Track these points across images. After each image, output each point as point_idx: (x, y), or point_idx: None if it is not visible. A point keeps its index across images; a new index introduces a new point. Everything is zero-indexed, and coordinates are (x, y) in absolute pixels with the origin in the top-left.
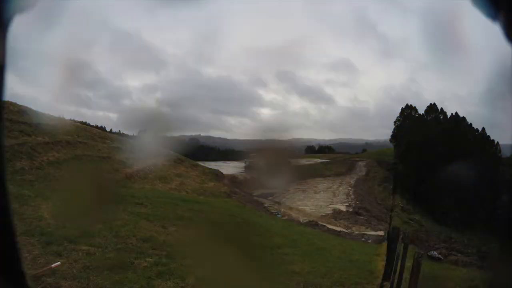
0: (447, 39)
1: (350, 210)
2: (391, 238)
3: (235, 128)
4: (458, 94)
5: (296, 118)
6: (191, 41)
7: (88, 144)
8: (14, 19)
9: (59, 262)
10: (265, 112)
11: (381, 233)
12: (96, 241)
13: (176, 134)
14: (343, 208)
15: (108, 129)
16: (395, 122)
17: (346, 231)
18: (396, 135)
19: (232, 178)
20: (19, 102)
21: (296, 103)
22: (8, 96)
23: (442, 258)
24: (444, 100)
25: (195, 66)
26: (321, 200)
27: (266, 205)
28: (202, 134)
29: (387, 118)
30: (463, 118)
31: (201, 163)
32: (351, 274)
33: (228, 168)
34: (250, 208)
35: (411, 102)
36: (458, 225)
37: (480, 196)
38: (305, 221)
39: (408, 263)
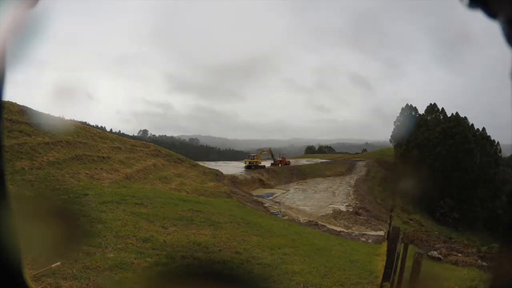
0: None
1: (350, 210)
2: (391, 238)
3: None
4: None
5: None
6: None
7: (88, 144)
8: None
9: (59, 262)
10: None
11: (381, 233)
12: (96, 241)
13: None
14: (343, 208)
15: (108, 129)
16: (395, 122)
17: (346, 231)
18: (396, 135)
19: (232, 178)
20: (19, 102)
21: None
22: (8, 96)
23: (442, 258)
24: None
25: None
26: (321, 200)
27: (266, 205)
28: (202, 134)
29: None
30: (464, 118)
31: (201, 163)
32: (351, 274)
33: (228, 168)
34: (250, 208)
35: None
36: (458, 225)
37: (480, 196)
38: (305, 221)
39: (408, 263)
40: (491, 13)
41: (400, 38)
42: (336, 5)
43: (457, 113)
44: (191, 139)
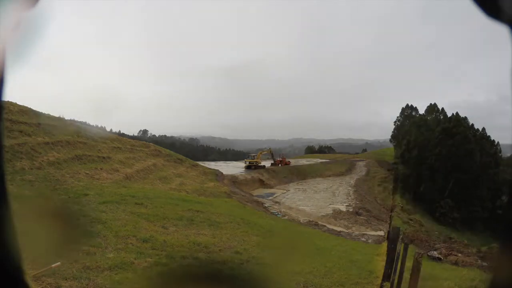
0: None
1: (350, 210)
2: (391, 238)
3: None
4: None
5: None
6: None
7: (88, 144)
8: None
9: (59, 262)
10: None
11: (381, 233)
12: (96, 241)
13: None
14: (343, 208)
15: (108, 129)
16: (395, 122)
17: (346, 231)
18: (396, 135)
19: (232, 178)
20: (19, 102)
21: None
22: (8, 96)
23: (442, 258)
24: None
25: None
26: (321, 200)
27: (266, 205)
28: (202, 134)
29: None
30: (465, 118)
31: (201, 163)
32: (351, 274)
33: (228, 168)
34: (250, 208)
35: None
36: (458, 225)
37: (480, 196)
38: (305, 221)
39: (408, 263)
40: (493, 14)
41: None
42: None
43: (457, 113)
44: (191, 139)
